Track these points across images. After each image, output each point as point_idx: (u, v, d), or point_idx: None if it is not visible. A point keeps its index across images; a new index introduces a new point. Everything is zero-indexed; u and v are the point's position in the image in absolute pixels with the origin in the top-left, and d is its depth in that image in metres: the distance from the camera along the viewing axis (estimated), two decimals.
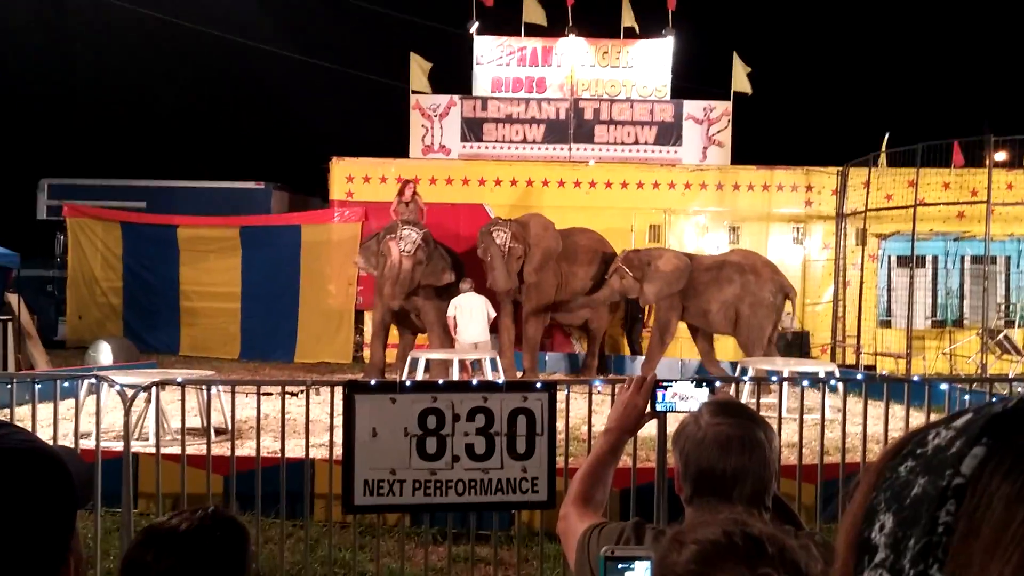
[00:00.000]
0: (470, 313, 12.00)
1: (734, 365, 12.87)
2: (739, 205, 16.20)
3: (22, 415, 5.70)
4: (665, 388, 2.28)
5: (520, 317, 13.77)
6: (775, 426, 1.91)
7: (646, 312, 14.92)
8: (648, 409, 2.24)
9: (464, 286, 12.27)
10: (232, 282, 15.98)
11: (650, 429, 2.44)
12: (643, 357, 13.81)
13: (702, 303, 12.92)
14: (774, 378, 6.46)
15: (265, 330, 15.70)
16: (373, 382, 4.50)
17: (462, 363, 11.95)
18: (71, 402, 7.41)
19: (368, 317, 15.75)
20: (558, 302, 13.75)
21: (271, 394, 5.20)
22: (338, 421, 4.50)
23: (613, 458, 2.16)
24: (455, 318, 11.98)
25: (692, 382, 2.30)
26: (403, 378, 10.92)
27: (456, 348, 12.12)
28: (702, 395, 2.28)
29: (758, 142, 21.92)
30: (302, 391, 4.87)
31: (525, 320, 13.66)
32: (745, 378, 7.66)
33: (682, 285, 12.87)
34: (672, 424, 2.14)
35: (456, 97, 16.67)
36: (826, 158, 16.56)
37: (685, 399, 2.29)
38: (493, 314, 12.23)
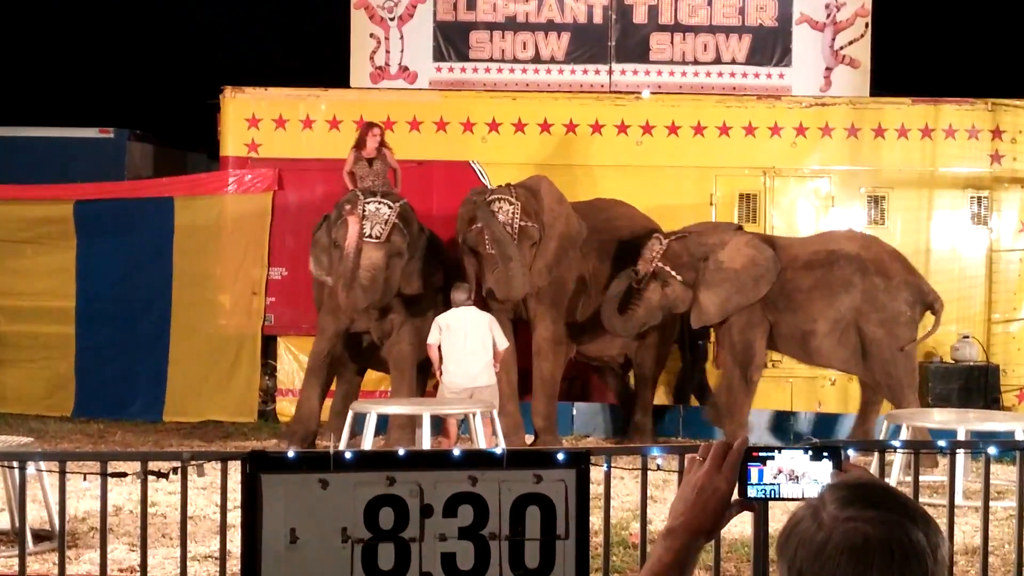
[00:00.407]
0: (464, 339, 12.12)
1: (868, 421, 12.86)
2: (884, 161, 16.24)
3: None
4: (762, 461, 2.29)
5: (526, 344, 13.81)
6: (943, 523, 1.91)
7: (710, 338, 14.97)
8: (735, 495, 2.25)
9: (458, 296, 12.43)
10: (61, 292, 15.96)
11: (741, 526, 2.44)
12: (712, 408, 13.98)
13: (800, 320, 13.12)
14: (942, 443, 6.45)
15: (116, 370, 15.69)
16: (291, 453, 4.52)
17: (444, 422, 12.00)
18: None
19: (283, 346, 15.77)
20: (584, 322, 13.80)
21: (125, 475, 5.21)
22: (235, 518, 4.50)
23: (679, 573, 2.17)
24: (440, 347, 12.11)
25: (807, 451, 2.31)
26: (340, 447, 11.03)
27: (439, 395, 12.11)
28: (823, 472, 2.29)
29: (914, 60, 21.92)
30: (175, 470, 4.87)
31: (537, 351, 13.71)
32: (895, 443, 7.67)
33: (765, 290, 13.04)
34: (777, 519, 2.14)
35: None
36: (1023, 85, 16.65)
37: (796, 479, 2.30)
38: (503, 344, 12.38)
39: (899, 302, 13.07)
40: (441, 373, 12.19)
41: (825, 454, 2.29)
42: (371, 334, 13.54)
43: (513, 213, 13.18)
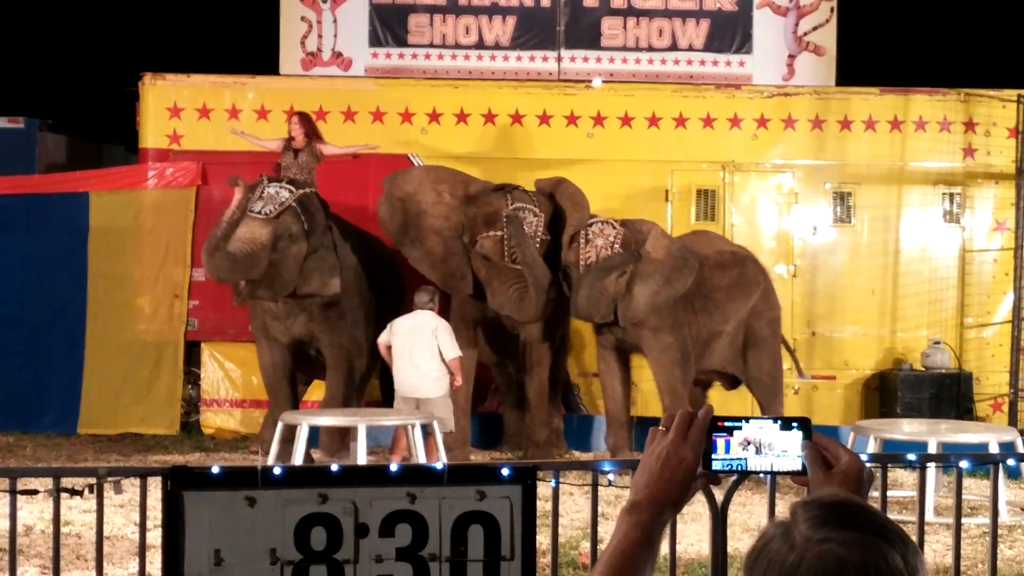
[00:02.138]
0: (411, 346, 12.19)
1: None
2: (851, 155, 16.36)
3: None
4: (728, 432, 2.29)
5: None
6: (916, 539, 1.92)
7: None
8: (700, 467, 2.25)
9: (419, 298, 12.50)
10: None
11: (698, 544, 2.45)
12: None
13: (715, 321, 13.57)
14: (912, 457, 6.51)
15: (25, 380, 15.58)
16: (215, 469, 4.49)
17: (395, 434, 12.04)
18: None
19: (208, 353, 15.69)
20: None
21: (36, 492, 5.16)
22: (155, 538, 4.47)
23: (648, 550, 2.17)
24: (388, 346, 12.30)
25: (775, 420, 2.31)
26: (269, 461, 10.98)
27: (396, 402, 12.29)
28: (793, 444, 2.28)
29: (882, 48, 22.09)
30: (91, 487, 4.83)
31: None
32: (862, 456, 7.71)
33: (689, 282, 13.33)
34: (735, 538, 2.15)
35: None
36: (998, 75, 16.77)
37: (765, 451, 2.29)
38: (452, 353, 12.39)
39: (778, 302, 13.49)
40: (394, 376, 12.41)
41: (794, 424, 2.29)
42: (306, 342, 13.55)
43: (537, 225, 13.30)
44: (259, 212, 12.67)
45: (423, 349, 12.22)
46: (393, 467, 4.73)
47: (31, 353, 15.63)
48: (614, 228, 13.35)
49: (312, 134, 14.00)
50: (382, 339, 12.42)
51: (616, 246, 13.15)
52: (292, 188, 12.99)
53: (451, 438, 12.53)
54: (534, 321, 13.31)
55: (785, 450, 2.27)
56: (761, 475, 2.41)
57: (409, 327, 12.32)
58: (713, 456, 2.26)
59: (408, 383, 12.25)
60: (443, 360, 12.33)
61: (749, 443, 2.28)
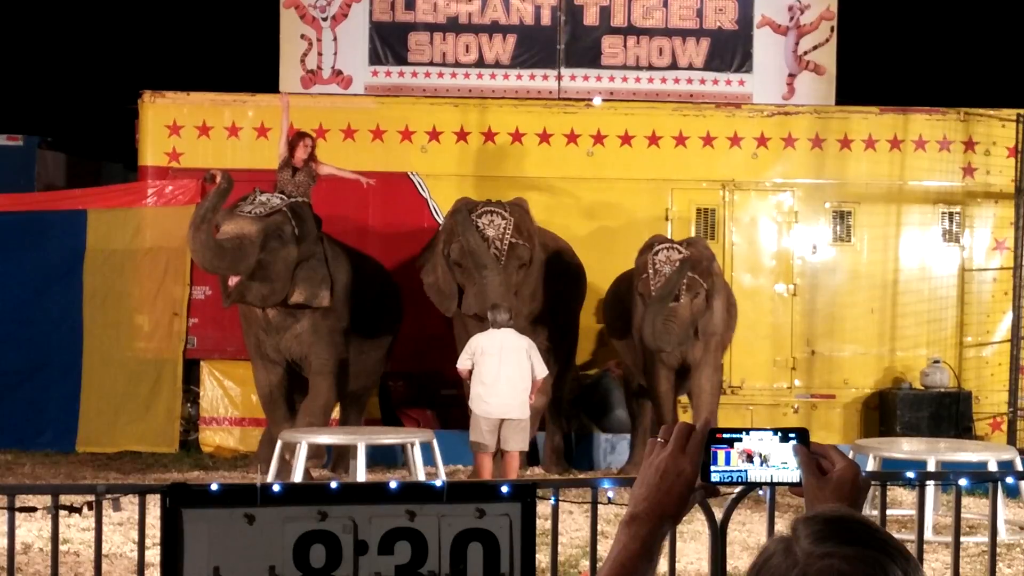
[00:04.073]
0: (499, 365, 11.95)
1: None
2: (851, 174, 16.38)
3: None
4: (728, 443, 2.30)
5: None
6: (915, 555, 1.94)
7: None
8: (699, 479, 2.26)
9: (497, 316, 12.27)
10: None
11: (697, 563, 2.47)
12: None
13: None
14: (911, 475, 6.53)
15: (22, 398, 15.57)
16: (214, 487, 4.51)
17: (478, 461, 11.99)
18: None
19: (207, 371, 15.69)
20: None
21: (35, 510, 5.17)
22: (153, 556, 4.48)
23: (647, 563, 2.18)
24: (471, 371, 12.04)
25: (775, 433, 2.32)
26: (268, 478, 10.99)
27: (471, 426, 12.08)
28: (787, 456, 2.30)
29: (882, 67, 22.12)
30: (89, 505, 4.84)
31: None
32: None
33: None
34: (735, 556, 2.17)
35: None
36: (998, 95, 16.79)
37: (762, 463, 2.31)
38: (543, 372, 12.27)
39: None
40: (471, 399, 12.11)
41: (793, 436, 2.31)
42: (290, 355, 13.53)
43: (505, 228, 13.20)
44: (249, 212, 12.72)
45: (516, 369, 12.00)
46: (392, 484, 4.74)
47: (28, 371, 15.61)
48: (679, 252, 13.39)
49: (311, 157, 14.03)
50: (463, 363, 12.09)
51: (688, 269, 13.20)
52: (283, 197, 13.11)
53: (521, 458, 12.48)
54: (491, 308, 12.71)
55: (784, 462, 2.28)
56: (760, 490, 2.44)
57: (497, 347, 12.02)
58: (712, 468, 2.27)
59: (498, 404, 11.94)
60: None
61: (748, 455, 2.29)
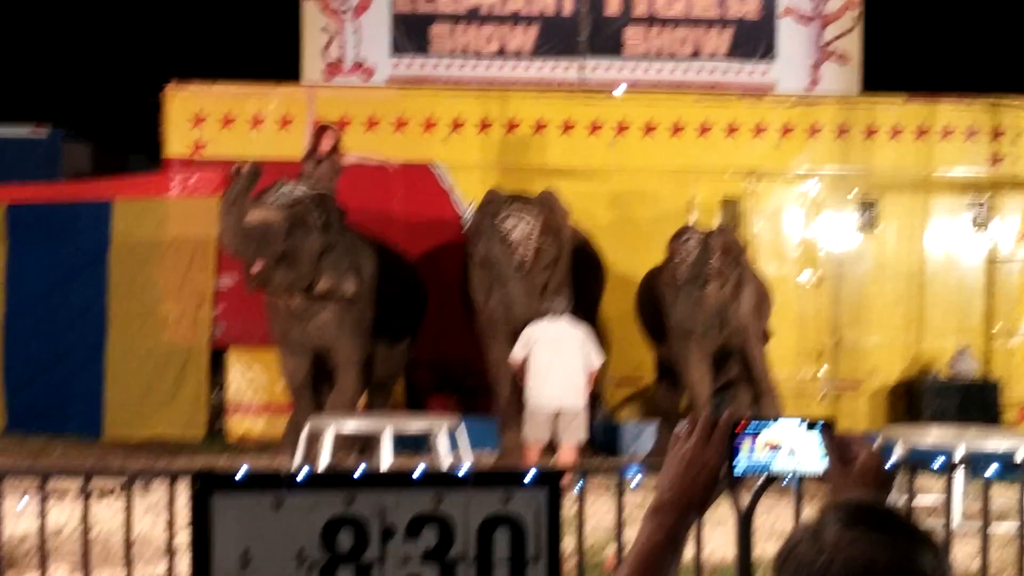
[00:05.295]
0: (553, 355, 11.76)
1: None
2: (876, 164, 16.34)
3: None
4: (752, 434, 2.31)
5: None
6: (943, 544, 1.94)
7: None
8: (724, 470, 2.27)
9: (557, 305, 12.10)
10: None
11: (723, 549, 2.47)
12: None
13: None
14: (939, 463, 6.51)
15: (51, 384, 15.67)
16: (243, 472, 4.52)
17: (529, 451, 11.85)
18: None
19: (234, 358, 15.74)
20: None
21: (65, 494, 5.21)
22: (183, 539, 4.50)
23: (672, 553, 2.19)
24: (526, 361, 11.85)
25: (800, 423, 2.32)
26: (296, 464, 11.01)
27: (526, 417, 11.95)
28: (812, 446, 2.30)
29: (908, 55, 22.02)
30: (119, 489, 4.87)
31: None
32: (889, 462, 7.71)
33: None
34: (768, 542, 2.16)
35: None
36: None
37: (788, 453, 2.31)
38: (599, 361, 12.11)
39: None
40: (527, 389, 11.87)
41: (818, 426, 2.31)
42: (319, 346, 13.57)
43: (531, 232, 13.07)
44: (273, 202, 12.76)
45: (573, 358, 11.81)
46: (419, 470, 4.75)
47: (54, 360, 15.70)
48: (707, 239, 13.29)
49: (335, 149, 14.04)
50: (518, 353, 11.87)
51: (716, 255, 13.10)
52: (306, 188, 13.12)
53: (577, 449, 12.28)
54: (518, 322, 12.67)
55: (810, 452, 2.29)
56: (785, 479, 2.44)
57: (551, 336, 11.81)
58: (737, 459, 2.28)
59: (555, 395, 11.71)
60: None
61: (773, 446, 2.30)
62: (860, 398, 15.94)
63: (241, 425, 15.66)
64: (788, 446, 2.30)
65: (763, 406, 13.40)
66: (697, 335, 13.21)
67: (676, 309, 12.92)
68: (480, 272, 13.20)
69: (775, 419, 2.33)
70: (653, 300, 13.91)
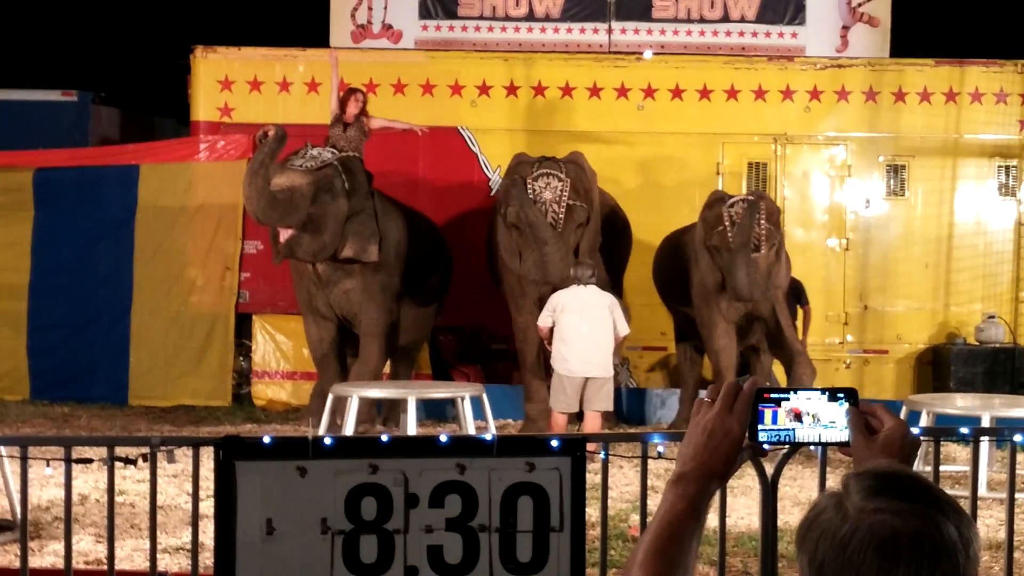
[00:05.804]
0: (580, 322, 11.56)
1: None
2: (905, 128, 16.24)
3: None
4: (776, 403, 2.29)
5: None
6: (969, 513, 1.93)
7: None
8: (747, 439, 2.26)
9: (583, 272, 11.82)
10: (16, 266, 15.96)
11: (748, 518, 2.46)
12: None
13: None
14: (965, 430, 6.48)
15: (75, 351, 15.71)
16: (267, 439, 4.53)
17: (556, 418, 11.73)
18: None
19: (259, 325, 15.79)
20: None
21: (91, 462, 5.23)
22: (207, 507, 4.51)
23: (694, 521, 2.18)
24: (552, 329, 11.70)
25: (823, 392, 2.31)
26: (320, 431, 11.06)
27: (553, 385, 11.86)
28: (841, 415, 2.29)
29: (937, 18, 21.87)
30: (144, 456, 4.88)
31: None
32: (915, 430, 7.69)
33: None
34: (786, 512, 2.16)
35: None
36: None
37: (812, 422, 2.30)
38: (625, 330, 11.91)
39: None
40: (554, 357, 11.71)
41: (842, 395, 2.31)
42: (336, 309, 13.57)
43: (562, 190, 12.94)
44: (300, 166, 12.74)
45: (600, 326, 11.59)
46: (443, 438, 4.75)
47: (79, 325, 15.75)
48: (755, 203, 12.97)
49: (363, 111, 14.01)
50: (544, 320, 11.70)
51: (763, 221, 12.85)
52: (334, 151, 13.10)
53: (604, 418, 12.25)
54: (555, 281, 12.55)
55: (833, 421, 2.28)
56: (810, 448, 2.43)
57: (579, 303, 11.59)
58: (760, 427, 2.27)
59: (582, 362, 11.53)
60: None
61: (796, 414, 2.29)
62: (886, 365, 15.90)
63: (267, 391, 15.71)
64: (811, 415, 2.29)
65: (797, 369, 13.30)
66: (716, 299, 13.14)
67: (737, 275, 12.52)
68: (511, 234, 13.17)
69: (798, 388, 2.31)
70: (674, 264, 13.84)
